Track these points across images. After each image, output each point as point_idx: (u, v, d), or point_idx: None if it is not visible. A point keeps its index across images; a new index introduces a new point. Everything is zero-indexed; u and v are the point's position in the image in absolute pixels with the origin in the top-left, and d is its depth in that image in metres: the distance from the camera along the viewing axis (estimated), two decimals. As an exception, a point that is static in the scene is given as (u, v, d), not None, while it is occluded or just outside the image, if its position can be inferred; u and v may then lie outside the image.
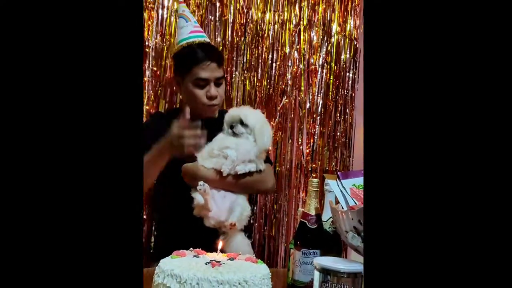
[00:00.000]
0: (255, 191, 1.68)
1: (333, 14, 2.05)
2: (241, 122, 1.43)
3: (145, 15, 1.86)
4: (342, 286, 0.89)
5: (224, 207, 1.39)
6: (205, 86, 1.54)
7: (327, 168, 2.04)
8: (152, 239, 1.82)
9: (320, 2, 2.04)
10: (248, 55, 1.97)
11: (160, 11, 1.88)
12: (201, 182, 1.32)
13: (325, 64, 2.05)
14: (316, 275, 0.93)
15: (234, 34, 1.95)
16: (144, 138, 1.49)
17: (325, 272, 0.91)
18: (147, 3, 1.87)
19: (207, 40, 1.64)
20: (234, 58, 1.96)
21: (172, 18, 1.89)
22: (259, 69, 1.98)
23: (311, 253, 1.08)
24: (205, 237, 1.18)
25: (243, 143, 1.42)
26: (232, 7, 1.94)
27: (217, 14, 1.94)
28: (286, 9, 2.01)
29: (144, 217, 1.86)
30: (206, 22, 1.92)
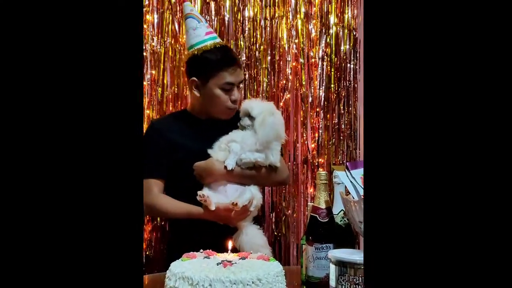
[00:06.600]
0: (270, 183, 1.68)
1: (330, 5, 2.03)
2: (249, 115, 1.45)
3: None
4: (360, 278, 0.87)
5: (234, 197, 1.40)
6: (230, 90, 1.53)
7: (334, 162, 2.02)
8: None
9: (317, -6, 2.02)
10: (246, 53, 1.95)
11: (155, 14, 1.86)
12: (200, 193, 1.35)
13: (325, 56, 2.03)
14: (332, 269, 0.91)
15: (231, 32, 1.93)
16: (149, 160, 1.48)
17: (342, 265, 0.89)
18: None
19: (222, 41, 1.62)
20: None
21: (169, 20, 1.87)
22: (259, 66, 1.96)
23: (324, 248, 1.06)
24: (216, 238, 1.16)
25: (248, 135, 1.44)
26: (227, 5, 1.92)
27: (213, 12, 1.92)
28: (282, 3, 1.98)
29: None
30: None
